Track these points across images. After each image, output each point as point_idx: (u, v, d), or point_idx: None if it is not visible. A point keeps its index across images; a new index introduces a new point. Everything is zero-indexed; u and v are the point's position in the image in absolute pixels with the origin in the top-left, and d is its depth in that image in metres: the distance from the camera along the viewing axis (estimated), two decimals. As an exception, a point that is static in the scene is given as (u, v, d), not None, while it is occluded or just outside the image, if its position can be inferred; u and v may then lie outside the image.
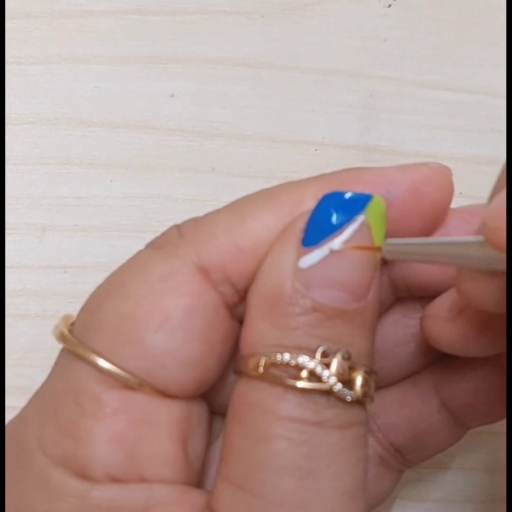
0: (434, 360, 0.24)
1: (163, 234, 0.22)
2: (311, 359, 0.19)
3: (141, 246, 0.22)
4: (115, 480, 0.20)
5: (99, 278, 0.22)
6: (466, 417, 0.24)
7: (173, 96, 0.30)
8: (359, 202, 0.20)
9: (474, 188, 0.30)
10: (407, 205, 0.21)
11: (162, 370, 0.20)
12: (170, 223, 0.29)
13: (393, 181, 0.21)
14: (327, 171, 0.22)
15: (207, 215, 0.22)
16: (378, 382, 0.20)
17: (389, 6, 0.31)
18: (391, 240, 0.20)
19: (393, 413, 0.24)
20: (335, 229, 0.20)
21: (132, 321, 0.20)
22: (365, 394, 0.20)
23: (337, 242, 0.20)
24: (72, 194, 0.29)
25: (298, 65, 0.30)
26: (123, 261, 0.24)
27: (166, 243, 0.21)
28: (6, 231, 0.29)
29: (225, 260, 0.21)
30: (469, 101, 0.31)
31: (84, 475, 0.20)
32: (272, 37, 0.30)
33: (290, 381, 0.19)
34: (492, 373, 0.23)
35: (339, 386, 0.19)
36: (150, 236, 0.22)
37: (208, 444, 0.22)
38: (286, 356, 0.19)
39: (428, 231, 0.22)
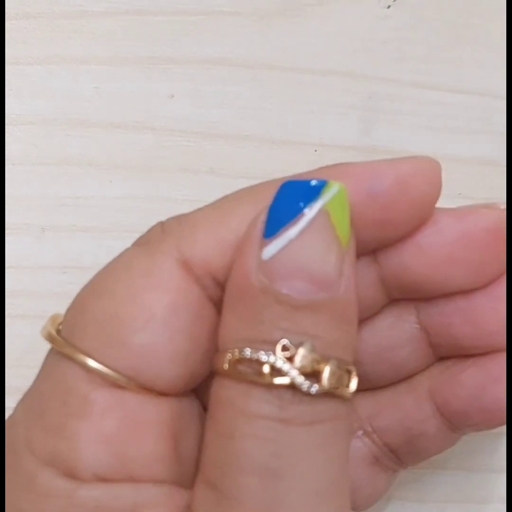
0: (429, 364, 0.24)
1: (148, 231, 0.22)
2: (271, 353, 0.19)
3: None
4: (102, 479, 0.20)
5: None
6: (461, 423, 0.23)
7: (172, 96, 0.30)
8: (315, 189, 0.20)
9: (474, 189, 0.30)
10: (392, 197, 0.20)
11: (149, 367, 0.20)
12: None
13: (379, 174, 0.21)
14: (326, 172, 0.22)
15: (190, 213, 0.22)
16: (357, 374, 0.20)
17: (389, 7, 0.31)
18: None
19: (388, 415, 0.24)
20: (293, 218, 0.19)
21: (117, 320, 0.20)
22: (333, 387, 0.19)
23: (294, 230, 0.19)
24: (71, 195, 0.29)
25: (297, 66, 0.30)
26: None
27: (149, 240, 0.21)
28: (5, 232, 0.29)
29: (207, 255, 0.20)
30: (469, 102, 0.31)
31: (71, 474, 0.20)
32: (271, 38, 0.30)
33: (254, 377, 0.19)
34: (488, 382, 0.22)
35: (300, 379, 0.19)
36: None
37: (202, 441, 0.22)
38: (248, 351, 0.19)
39: (414, 225, 0.21)
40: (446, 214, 0.22)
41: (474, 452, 0.26)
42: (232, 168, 0.30)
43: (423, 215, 0.21)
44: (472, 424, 0.23)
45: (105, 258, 0.29)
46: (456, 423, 0.23)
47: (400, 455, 0.24)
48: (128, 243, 0.25)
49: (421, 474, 0.28)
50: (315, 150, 0.30)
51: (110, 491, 0.20)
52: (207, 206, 0.22)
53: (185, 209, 0.29)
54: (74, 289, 0.28)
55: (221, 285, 0.21)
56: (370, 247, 0.21)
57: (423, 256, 0.22)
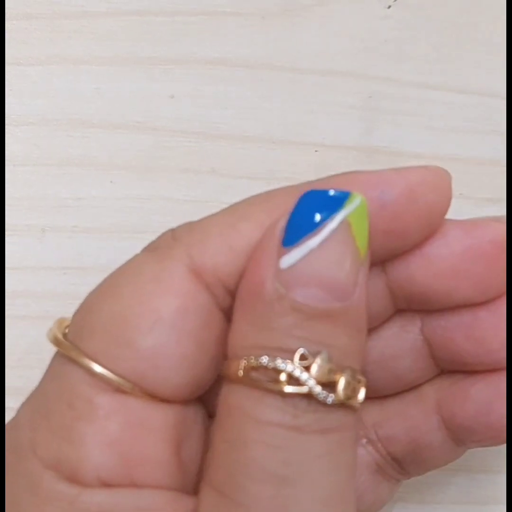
0: (431, 375, 0.23)
1: (158, 238, 0.22)
2: (289, 362, 0.19)
3: (142, 247, 0.22)
4: (105, 484, 0.20)
5: (99, 279, 0.22)
6: (465, 438, 0.23)
7: (173, 97, 0.30)
8: (338, 200, 0.19)
9: (475, 189, 0.30)
10: (401, 206, 0.20)
11: (154, 372, 0.20)
12: (170, 224, 0.29)
13: (388, 182, 0.20)
14: (327, 172, 0.22)
15: (202, 219, 0.21)
16: (366, 385, 0.20)
17: (389, 7, 0.31)
18: None
19: (394, 425, 0.24)
20: (314, 228, 0.19)
21: (124, 323, 0.20)
22: (348, 397, 0.19)
23: (315, 240, 0.19)
24: (72, 195, 0.29)
25: (298, 66, 0.30)
26: (123, 262, 0.24)
27: (160, 246, 0.21)
28: (6, 232, 0.29)
29: (218, 261, 0.20)
30: (469, 102, 0.31)
31: (74, 478, 0.20)
32: (272, 38, 0.30)
33: (269, 385, 0.19)
34: (495, 398, 0.22)
35: (318, 388, 0.19)
36: (151, 237, 0.22)
37: (206, 448, 0.22)
38: (264, 359, 0.19)
39: (423, 235, 0.21)
40: (454, 226, 0.22)
41: (476, 453, 0.26)
42: (233, 168, 0.30)
43: (432, 225, 0.21)
44: (477, 439, 0.23)
45: (106, 258, 0.29)
46: (461, 437, 0.23)
47: (404, 465, 0.24)
48: (129, 243, 0.25)
49: (423, 475, 0.28)
50: (316, 150, 0.30)
51: (113, 497, 0.20)
52: (218, 212, 0.21)
53: (186, 209, 0.30)
54: (75, 290, 0.28)
55: (231, 293, 0.21)
56: (379, 256, 0.21)
57: (430, 268, 0.22)
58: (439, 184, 0.21)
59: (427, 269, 0.22)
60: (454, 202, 0.22)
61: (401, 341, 0.23)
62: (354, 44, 0.31)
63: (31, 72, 0.30)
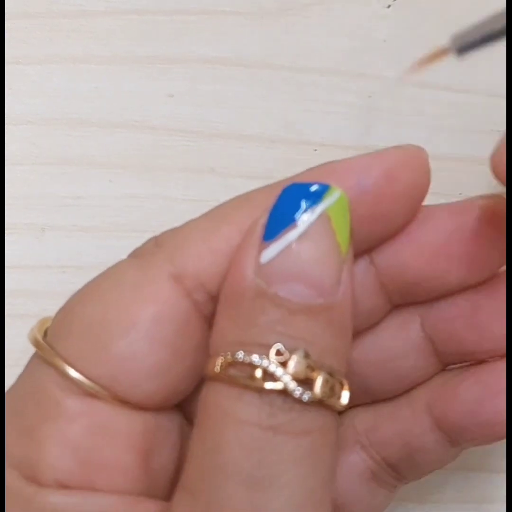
0: (434, 373, 0.23)
1: (142, 244, 0.22)
2: (265, 357, 0.19)
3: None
4: (63, 485, 0.20)
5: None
6: (459, 437, 0.23)
7: (172, 96, 0.30)
8: (317, 193, 0.19)
9: (474, 188, 0.30)
10: (381, 189, 0.20)
11: (126, 377, 0.20)
12: (169, 223, 0.29)
13: (365, 168, 0.20)
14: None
15: (184, 224, 0.21)
16: (349, 387, 0.20)
17: (389, 6, 0.31)
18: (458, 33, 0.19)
19: (386, 429, 0.23)
20: (293, 221, 0.19)
21: (100, 327, 0.20)
22: (326, 396, 0.19)
23: (294, 234, 0.19)
24: (71, 194, 0.29)
25: (297, 66, 0.30)
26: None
27: (143, 253, 0.21)
28: (6, 231, 0.29)
29: (199, 266, 0.20)
30: (468, 101, 0.31)
31: (34, 478, 0.20)
32: (271, 37, 0.30)
33: (246, 381, 0.19)
34: (486, 395, 0.22)
35: (293, 384, 0.18)
36: (149, 236, 0.22)
37: (182, 456, 0.22)
38: (240, 354, 0.19)
39: (407, 216, 0.21)
40: (440, 209, 0.22)
41: (473, 452, 0.26)
42: (232, 168, 0.30)
43: (415, 204, 0.21)
44: (471, 438, 0.23)
45: (105, 257, 0.29)
46: (455, 437, 0.23)
47: (400, 470, 0.24)
48: (128, 242, 0.25)
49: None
50: (315, 150, 0.30)
51: (68, 499, 0.20)
52: (200, 217, 0.21)
53: (185, 208, 0.30)
54: (74, 289, 0.28)
55: (214, 299, 0.20)
56: (365, 244, 0.21)
57: (420, 253, 0.21)
58: (416, 162, 0.21)
59: (417, 255, 0.21)
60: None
61: (401, 340, 0.23)
62: (354, 43, 0.31)
63: (30, 71, 0.30)
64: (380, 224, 0.21)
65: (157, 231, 0.22)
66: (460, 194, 0.30)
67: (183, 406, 0.22)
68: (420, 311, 0.23)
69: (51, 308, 0.28)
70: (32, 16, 0.30)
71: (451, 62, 0.31)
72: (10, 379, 0.22)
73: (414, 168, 0.21)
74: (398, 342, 0.23)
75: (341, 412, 0.20)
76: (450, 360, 0.23)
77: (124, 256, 0.27)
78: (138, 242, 0.23)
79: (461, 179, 0.30)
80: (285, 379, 0.18)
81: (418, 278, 0.22)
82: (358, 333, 0.22)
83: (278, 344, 0.19)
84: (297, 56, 0.30)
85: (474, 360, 0.23)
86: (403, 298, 0.22)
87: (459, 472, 0.24)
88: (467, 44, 0.19)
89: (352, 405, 0.23)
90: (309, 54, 0.30)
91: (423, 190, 0.21)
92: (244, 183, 0.29)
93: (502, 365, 0.22)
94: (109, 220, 0.29)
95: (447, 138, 0.31)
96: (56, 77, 0.30)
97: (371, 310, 0.22)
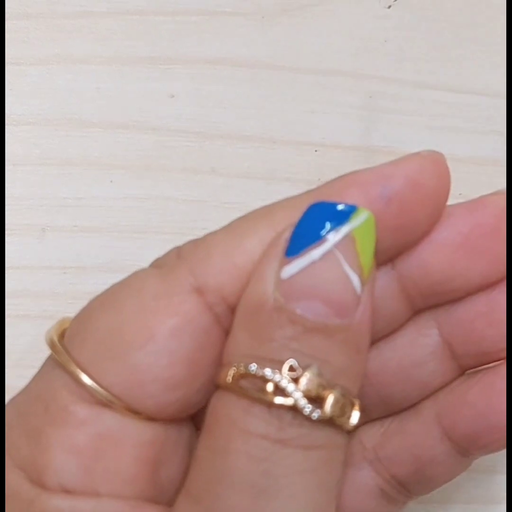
0: (453, 378, 0.23)
1: (164, 255, 0.22)
2: (278, 372, 0.19)
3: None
4: (67, 490, 0.20)
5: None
6: (471, 446, 0.22)
7: (173, 96, 0.30)
8: (344, 214, 0.19)
9: (474, 189, 0.30)
10: (405, 198, 0.20)
11: (140, 389, 0.20)
12: (170, 224, 0.29)
13: (388, 177, 0.20)
14: (327, 172, 0.22)
15: (206, 236, 0.21)
16: (360, 408, 0.19)
17: (389, 7, 0.31)
18: None
19: (394, 444, 0.23)
20: (317, 239, 0.19)
21: (118, 336, 0.20)
22: (335, 415, 0.19)
23: (317, 252, 0.19)
24: (72, 195, 0.29)
25: (298, 66, 0.30)
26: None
27: (164, 264, 0.21)
28: (6, 232, 0.29)
29: (221, 280, 0.20)
30: (469, 101, 0.31)
31: (38, 481, 0.20)
32: (272, 38, 0.30)
33: (256, 394, 0.19)
34: (495, 399, 0.22)
35: (303, 402, 0.18)
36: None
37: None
38: (253, 367, 0.19)
39: (431, 223, 0.21)
40: (457, 208, 0.21)
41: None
42: (233, 168, 0.30)
43: (438, 210, 0.21)
44: (483, 445, 0.22)
45: (106, 258, 0.29)
46: (466, 446, 0.22)
47: (409, 486, 0.23)
48: (129, 243, 0.25)
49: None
50: (316, 150, 0.30)
51: (70, 503, 0.20)
52: (222, 229, 0.21)
53: (186, 209, 0.30)
54: (74, 289, 0.28)
55: (235, 313, 0.20)
56: (389, 254, 0.21)
57: (440, 253, 0.21)
58: (437, 168, 0.21)
59: (437, 255, 0.21)
60: (454, 202, 0.22)
61: (420, 347, 0.23)
62: (354, 44, 0.31)
63: (31, 72, 0.30)
64: (405, 232, 0.21)
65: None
66: (460, 194, 0.30)
67: (195, 415, 0.22)
68: (436, 315, 0.22)
69: (51, 308, 0.28)
70: (32, 16, 0.30)
71: (451, 62, 0.31)
72: (10, 379, 0.22)
73: (436, 174, 0.21)
74: (417, 348, 0.23)
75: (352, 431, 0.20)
76: (469, 363, 0.23)
77: (125, 256, 0.28)
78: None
79: (461, 179, 0.30)
80: (296, 396, 0.18)
81: (439, 278, 0.21)
82: (377, 340, 0.22)
83: (292, 359, 0.19)
84: (297, 56, 0.30)
85: (493, 361, 0.22)
86: (426, 302, 0.22)
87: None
88: None
89: (369, 419, 0.23)
90: (310, 54, 0.30)
91: (446, 194, 0.21)
92: (245, 183, 0.29)
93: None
94: (110, 220, 0.29)
95: (447, 139, 0.31)
96: (57, 77, 0.30)
97: (392, 314, 0.22)
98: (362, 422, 0.23)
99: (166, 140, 0.29)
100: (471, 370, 0.23)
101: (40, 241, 0.29)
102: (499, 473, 0.28)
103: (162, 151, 0.29)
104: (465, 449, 0.23)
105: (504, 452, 0.23)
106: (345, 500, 0.23)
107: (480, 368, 0.23)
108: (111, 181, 0.29)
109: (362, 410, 0.20)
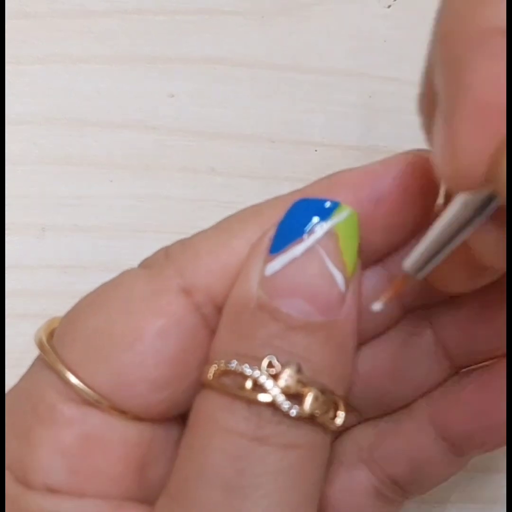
0: (447, 378, 0.23)
1: (152, 255, 0.22)
2: (257, 368, 0.19)
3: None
4: (52, 490, 0.20)
5: (98, 278, 0.22)
6: (465, 445, 0.22)
7: (172, 96, 0.30)
8: (327, 210, 0.19)
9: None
10: (396, 196, 0.20)
11: (127, 389, 0.20)
12: (169, 223, 0.29)
13: (377, 177, 0.20)
14: (327, 171, 0.22)
15: (194, 236, 0.21)
16: (345, 408, 0.19)
17: (389, 6, 0.31)
18: (408, 260, 0.19)
19: (390, 445, 0.23)
20: (300, 235, 0.19)
21: (105, 337, 0.20)
22: (316, 413, 0.19)
23: (299, 248, 0.19)
24: (72, 194, 0.29)
25: (298, 65, 0.30)
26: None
27: (153, 264, 0.21)
28: (6, 231, 0.29)
29: (209, 280, 0.20)
30: (469, 101, 0.31)
31: (23, 480, 0.20)
32: (272, 37, 0.30)
33: (236, 391, 0.19)
34: (490, 397, 0.22)
35: (282, 398, 0.18)
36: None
37: None
38: (233, 364, 0.19)
39: (420, 221, 0.21)
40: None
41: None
42: (233, 167, 0.29)
43: (427, 209, 0.21)
44: (477, 444, 0.22)
45: (105, 257, 0.29)
46: (460, 445, 0.23)
47: (405, 485, 0.23)
48: (128, 242, 0.25)
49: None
50: (316, 150, 0.30)
51: (54, 502, 0.20)
52: (210, 229, 0.21)
53: (185, 208, 0.29)
54: (74, 288, 0.28)
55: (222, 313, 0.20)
56: (379, 254, 0.21)
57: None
58: (425, 165, 0.20)
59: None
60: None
61: (413, 348, 0.23)
62: (354, 43, 0.31)
63: (30, 71, 0.30)
64: (397, 231, 0.20)
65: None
66: (460, 194, 0.30)
67: (184, 416, 0.22)
68: (429, 315, 0.22)
69: (51, 307, 0.28)
70: (32, 16, 0.30)
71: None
72: (10, 379, 0.22)
73: (424, 173, 0.20)
74: (410, 349, 0.23)
75: (343, 431, 0.20)
76: (463, 362, 0.23)
77: (125, 255, 0.28)
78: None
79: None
80: (274, 392, 0.18)
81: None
82: (370, 339, 0.22)
83: (271, 356, 0.19)
84: (297, 56, 0.30)
85: (487, 359, 0.22)
86: (416, 301, 0.22)
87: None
88: (422, 265, 0.19)
89: (363, 419, 0.23)
90: (309, 54, 0.30)
91: (435, 194, 0.21)
92: (244, 183, 0.29)
93: (501, 364, 0.22)
94: (110, 219, 0.29)
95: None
96: (56, 77, 0.30)
97: (385, 314, 0.22)
98: (356, 422, 0.23)
99: (166, 140, 0.29)
100: (465, 369, 0.23)
101: (39, 240, 0.29)
102: (498, 473, 0.28)
103: (161, 150, 0.29)
104: (460, 448, 0.23)
105: (502, 450, 0.23)
106: (340, 500, 0.23)
107: (474, 367, 0.23)
108: (111, 181, 0.29)
109: (354, 410, 0.20)
